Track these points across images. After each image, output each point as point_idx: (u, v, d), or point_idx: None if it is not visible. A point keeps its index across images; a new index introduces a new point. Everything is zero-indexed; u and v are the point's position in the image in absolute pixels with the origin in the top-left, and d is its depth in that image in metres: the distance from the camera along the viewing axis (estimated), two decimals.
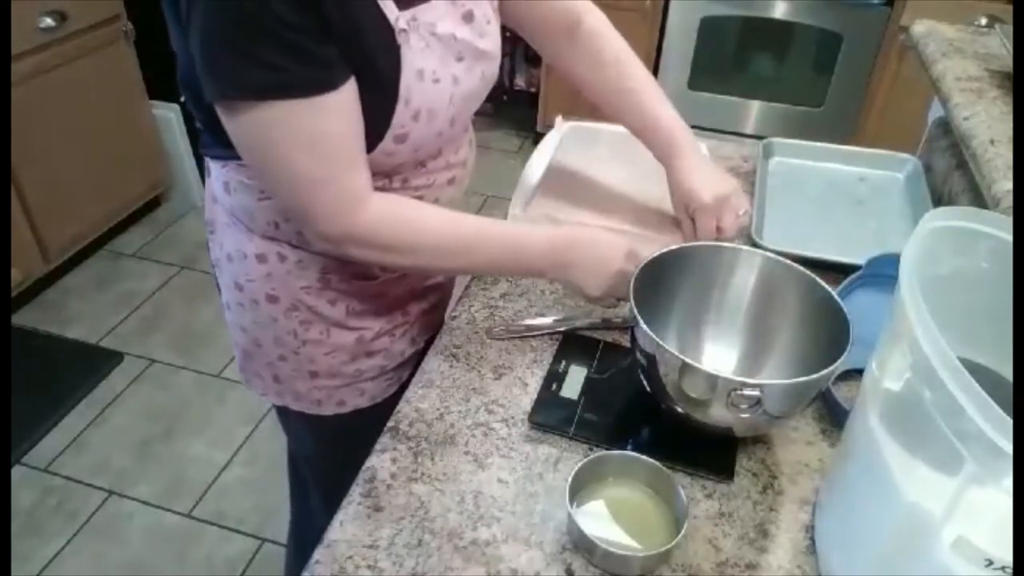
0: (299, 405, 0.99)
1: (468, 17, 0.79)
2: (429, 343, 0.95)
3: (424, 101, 0.75)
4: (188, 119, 2.70)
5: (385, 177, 0.81)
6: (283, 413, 1.06)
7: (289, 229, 0.84)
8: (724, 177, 0.96)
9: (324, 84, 0.68)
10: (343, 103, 0.70)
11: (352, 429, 0.96)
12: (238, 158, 0.75)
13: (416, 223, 0.79)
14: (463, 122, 0.85)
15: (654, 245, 0.82)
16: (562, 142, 1.20)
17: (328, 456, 1.10)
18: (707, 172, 0.95)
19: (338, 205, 0.73)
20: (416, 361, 0.96)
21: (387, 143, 0.76)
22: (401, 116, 0.74)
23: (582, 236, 0.85)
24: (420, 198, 0.85)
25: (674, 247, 0.80)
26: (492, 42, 0.83)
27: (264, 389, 1.00)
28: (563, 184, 1.09)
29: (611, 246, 0.84)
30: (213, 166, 0.85)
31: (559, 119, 1.26)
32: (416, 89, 0.74)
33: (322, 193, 0.72)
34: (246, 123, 0.69)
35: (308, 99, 0.67)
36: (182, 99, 0.81)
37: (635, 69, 0.98)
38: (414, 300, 0.98)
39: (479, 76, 0.82)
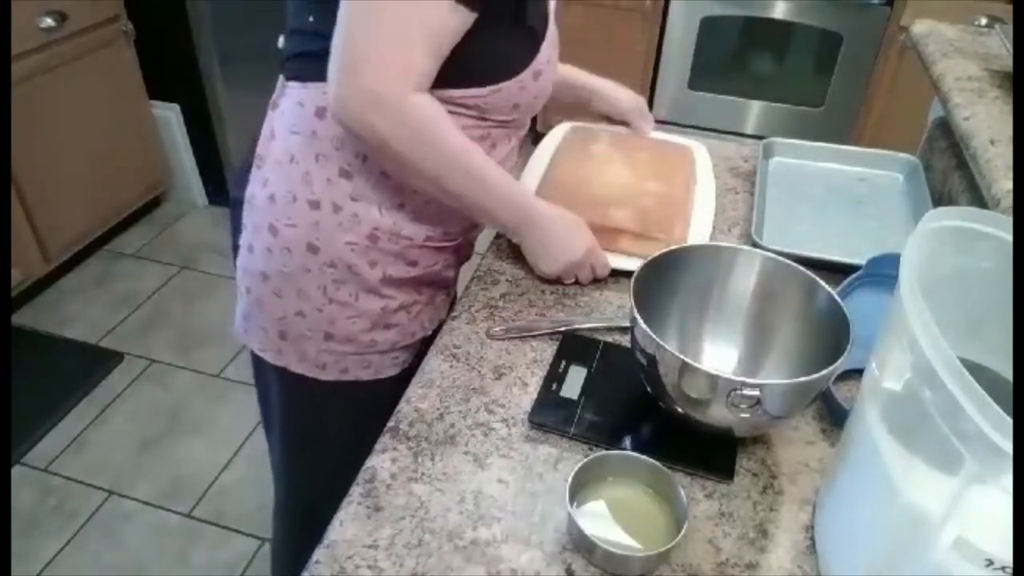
0: (301, 367, 0.97)
1: None
2: (436, 332, 0.98)
3: (549, 47, 0.88)
4: (188, 120, 2.70)
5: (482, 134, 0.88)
6: (265, 372, 1.04)
7: (360, 178, 0.86)
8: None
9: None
10: (459, 14, 0.75)
11: (347, 401, 0.99)
12: None
13: (445, 129, 0.82)
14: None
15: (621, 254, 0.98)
16: (562, 142, 1.20)
17: (295, 421, 1.09)
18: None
19: (403, 75, 0.76)
20: (421, 350, 0.98)
21: (528, 75, 0.85)
22: (544, 52, 0.86)
23: (553, 213, 0.94)
24: None
25: (674, 247, 0.80)
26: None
27: (264, 345, 0.98)
28: (563, 184, 1.09)
29: (576, 232, 0.95)
30: (305, 94, 0.86)
31: (560, 120, 1.27)
32: (550, 34, 0.87)
33: (400, 56, 0.76)
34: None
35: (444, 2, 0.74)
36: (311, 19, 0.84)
37: None
38: (431, 285, 1.00)
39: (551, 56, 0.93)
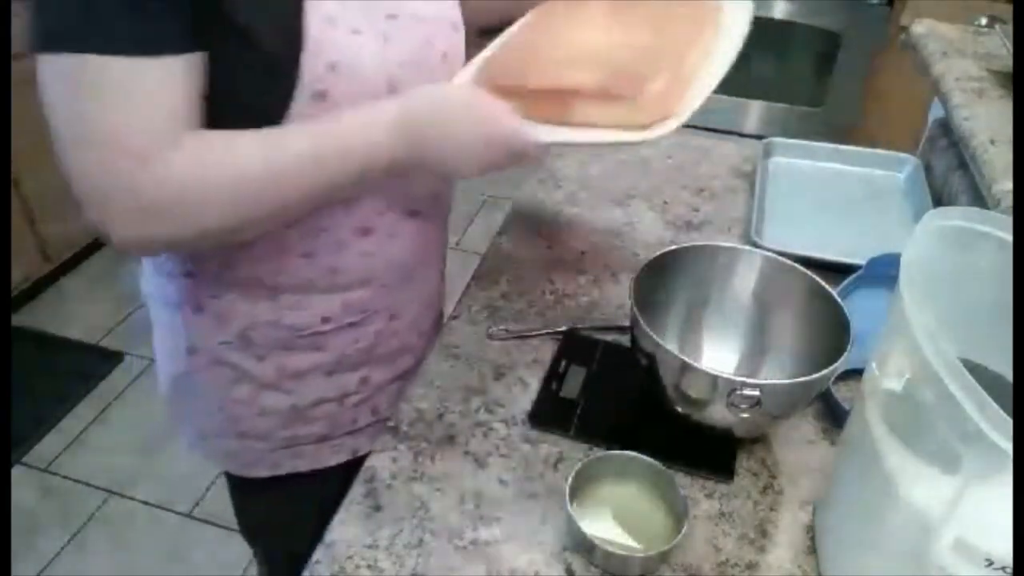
0: (229, 465, 0.89)
1: None
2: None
3: (341, 53, 0.64)
4: None
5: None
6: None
7: (206, 275, 0.75)
8: None
9: (153, 46, 0.59)
10: (170, 73, 0.60)
11: (290, 495, 0.88)
12: None
13: (222, 157, 0.62)
14: None
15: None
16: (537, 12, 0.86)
17: (249, 522, 1.01)
18: None
19: (138, 150, 0.60)
20: (379, 432, 0.80)
21: (302, 102, 0.64)
22: (313, 67, 0.63)
23: (431, 96, 0.67)
24: (366, 232, 0.75)
25: (674, 247, 0.80)
26: (434, 8, 0.74)
27: (191, 441, 0.90)
28: (512, 51, 0.80)
29: (474, 105, 0.67)
30: None
31: None
32: (328, 38, 0.63)
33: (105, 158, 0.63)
34: (61, 76, 0.63)
35: (130, 59, 0.58)
36: None
37: None
38: (377, 365, 0.85)
39: (422, 41, 0.72)
